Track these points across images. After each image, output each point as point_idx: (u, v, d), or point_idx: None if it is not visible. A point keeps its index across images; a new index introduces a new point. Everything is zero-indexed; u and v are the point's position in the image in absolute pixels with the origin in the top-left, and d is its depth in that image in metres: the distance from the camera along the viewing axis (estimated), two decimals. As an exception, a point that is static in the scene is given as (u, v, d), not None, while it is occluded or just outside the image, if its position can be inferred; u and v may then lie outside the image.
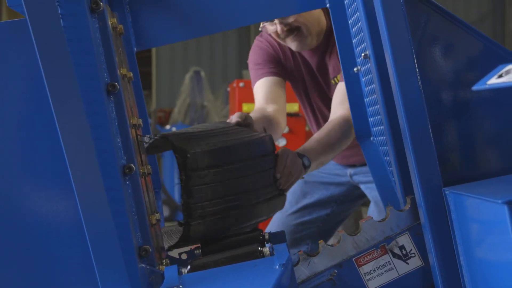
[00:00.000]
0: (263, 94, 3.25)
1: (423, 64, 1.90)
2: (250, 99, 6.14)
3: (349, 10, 2.35)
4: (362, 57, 2.16)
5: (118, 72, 1.78)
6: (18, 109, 1.74)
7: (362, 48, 2.22)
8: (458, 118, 1.93)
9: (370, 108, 2.37)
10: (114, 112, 1.76)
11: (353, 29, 2.36)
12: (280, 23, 3.02)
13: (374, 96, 2.18)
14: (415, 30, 1.92)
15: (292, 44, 3.13)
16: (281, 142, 6.20)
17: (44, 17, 1.56)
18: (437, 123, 1.88)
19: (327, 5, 2.38)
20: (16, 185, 1.75)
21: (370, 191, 3.44)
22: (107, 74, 1.75)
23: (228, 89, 8.13)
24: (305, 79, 3.34)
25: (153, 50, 17.54)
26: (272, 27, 3.07)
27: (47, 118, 1.65)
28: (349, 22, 2.39)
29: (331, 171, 3.52)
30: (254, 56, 3.36)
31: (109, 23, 1.80)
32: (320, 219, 3.53)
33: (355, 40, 2.37)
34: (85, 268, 1.72)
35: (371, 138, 2.46)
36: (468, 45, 1.99)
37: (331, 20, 2.42)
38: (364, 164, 3.34)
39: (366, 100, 2.39)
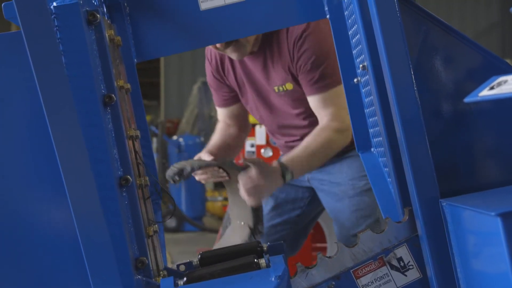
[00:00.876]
0: (222, 118, 3.67)
1: (421, 75, 1.90)
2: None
3: (349, 21, 2.35)
4: (360, 68, 2.16)
5: (115, 84, 1.79)
6: (17, 120, 1.75)
7: (362, 59, 2.23)
8: (456, 129, 1.93)
9: (370, 119, 2.37)
10: (111, 124, 1.77)
11: (353, 40, 2.36)
12: None
13: (374, 107, 2.18)
14: (413, 42, 1.92)
15: (232, 54, 3.19)
16: (267, 153, 6.20)
17: (37, 29, 1.57)
18: (435, 135, 1.88)
19: (327, 16, 2.38)
20: (15, 194, 1.77)
21: (324, 198, 3.48)
22: (103, 86, 1.75)
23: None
24: (247, 88, 3.40)
25: (162, 60, 17.61)
26: None
27: (46, 128, 1.66)
28: (349, 33, 2.39)
29: None
30: (207, 72, 3.59)
31: (106, 34, 1.81)
32: (291, 221, 3.57)
33: (355, 51, 2.37)
34: (82, 277, 1.72)
35: (372, 149, 2.46)
36: (466, 57, 1.99)
37: (332, 31, 2.43)
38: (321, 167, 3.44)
39: (366, 111, 2.39)
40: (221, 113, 3.67)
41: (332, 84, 3.19)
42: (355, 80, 2.40)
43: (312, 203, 3.64)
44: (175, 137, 11.64)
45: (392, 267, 1.94)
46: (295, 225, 3.60)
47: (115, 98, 1.75)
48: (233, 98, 3.54)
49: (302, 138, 3.32)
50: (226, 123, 3.63)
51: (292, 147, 3.37)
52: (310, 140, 3.17)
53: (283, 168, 3.01)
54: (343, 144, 3.27)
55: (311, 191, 3.62)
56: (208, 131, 11.90)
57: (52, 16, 1.65)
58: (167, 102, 17.40)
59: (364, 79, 2.29)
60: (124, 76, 2.02)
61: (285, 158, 3.14)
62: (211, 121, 12.36)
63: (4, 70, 1.72)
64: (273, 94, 3.34)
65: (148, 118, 14.96)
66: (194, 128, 12.50)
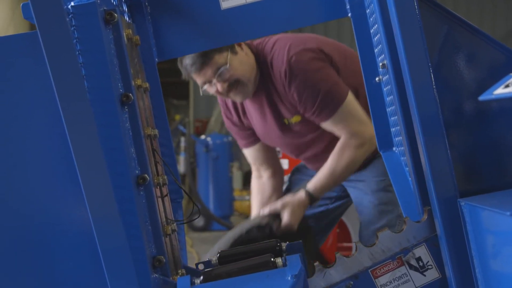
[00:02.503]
0: (252, 161, 3.79)
1: (441, 74, 1.89)
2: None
3: (371, 19, 2.34)
4: (380, 67, 2.15)
5: (133, 83, 1.80)
6: (35, 120, 1.76)
7: (383, 58, 2.22)
8: (476, 128, 1.91)
9: (391, 118, 2.36)
10: (128, 123, 1.78)
11: (375, 39, 2.35)
12: (218, 81, 3.13)
13: (394, 106, 2.17)
14: (434, 40, 1.91)
15: (236, 97, 3.25)
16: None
17: (53, 29, 1.58)
18: (454, 133, 1.86)
19: (349, 15, 2.37)
20: (33, 194, 1.78)
21: (353, 190, 3.49)
22: (121, 85, 1.76)
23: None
24: (260, 126, 3.45)
25: (191, 60, 17.61)
26: (212, 89, 3.20)
27: (63, 128, 1.67)
28: (371, 31, 2.38)
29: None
30: (224, 120, 3.74)
31: (124, 34, 1.82)
32: (314, 216, 3.59)
33: (376, 49, 2.36)
34: (99, 276, 1.73)
35: (393, 148, 2.44)
36: (488, 56, 1.97)
37: (354, 29, 2.42)
38: None
39: (388, 110, 2.38)
40: (249, 155, 3.75)
41: (337, 104, 3.25)
42: (377, 79, 2.39)
43: (337, 201, 3.66)
44: (203, 136, 11.66)
45: (411, 266, 1.92)
46: (317, 221, 3.62)
47: (132, 97, 1.76)
48: (255, 137, 3.60)
49: (324, 150, 3.36)
50: (258, 174, 3.75)
51: (316, 160, 3.41)
52: (334, 163, 3.27)
53: (311, 199, 3.15)
54: (365, 156, 3.33)
55: (339, 188, 3.63)
56: (236, 130, 11.90)
57: (70, 16, 1.66)
58: (196, 101, 17.42)
59: (386, 78, 2.28)
60: (142, 75, 2.03)
61: (312, 185, 3.25)
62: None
63: (22, 71, 1.73)
64: (285, 127, 3.38)
65: (177, 117, 14.99)
66: (222, 128, 12.51)
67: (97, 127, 1.64)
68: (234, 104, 3.53)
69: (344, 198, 3.69)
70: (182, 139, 11.63)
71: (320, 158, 3.44)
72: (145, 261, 1.70)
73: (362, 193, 3.48)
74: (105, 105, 1.70)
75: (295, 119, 3.33)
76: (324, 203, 3.66)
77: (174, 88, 22.74)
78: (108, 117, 1.70)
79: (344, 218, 5.58)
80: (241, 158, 11.42)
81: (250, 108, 3.46)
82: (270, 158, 3.72)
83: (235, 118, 3.57)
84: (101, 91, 1.69)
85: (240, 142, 3.69)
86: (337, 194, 3.69)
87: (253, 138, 3.63)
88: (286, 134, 3.44)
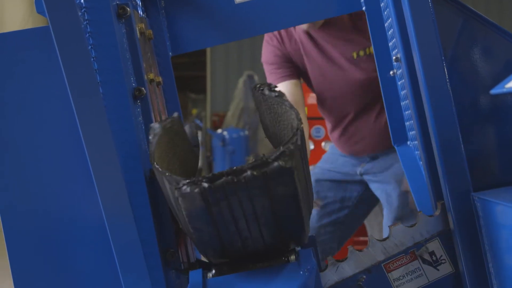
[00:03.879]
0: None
1: (456, 68, 1.88)
2: (298, 102, 6.13)
3: (385, 13, 2.33)
4: (394, 60, 2.14)
5: (145, 77, 1.80)
6: (47, 115, 1.76)
7: (397, 52, 2.21)
8: (489, 123, 1.90)
9: (406, 112, 2.35)
10: (141, 117, 1.78)
11: (389, 32, 2.34)
12: None
13: (408, 100, 2.16)
14: (449, 34, 1.90)
15: (309, 25, 3.14)
16: (327, 146, 6.16)
17: (65, 24, 1.58)
18: (468, 127, 1.85)
19: (363, 8, 2.36)
20: (47, 189, 1.78)
21: (376, 186, 3.43)
22: (133, 79, 1.77)
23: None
24: (317, 60, 3.34)
25: (208, 54, 17.67)
26: None
27: (75, 122, 1.67)
28: (385, 25, 2.37)
29: (341, 170, 3.51)
30: (266, 52, 3.45)
31: (137, 28, 1.82)
32: (339, 221, 3.53)
33: (390, 43, 2.35)
34: (113, 270, 1.73)
35: (408, 143, 2.43)
36: (504, 50, 1.95)
37: (368, 23, 2.41)
38: (374, 157, 3.39)
39: (402, 104, 2.37)
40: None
41: None
42: (391, 72, 2.38)
43: (361, 202, 3.60)
44: (219, 130, 11.67)
45: (424, 261, 1.92)
46: (343, 225, 3.57)
47: (145, 91, 1.76)
48: (293, 73, 3.47)
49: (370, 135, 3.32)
50: None
51: (355, 143, 3.38)
52: None
53: None
54: None
55: (361, 188, 3.57)
56: (253, 124, 11.94)
57: (82, 10, 1.67)
58: (213, 95, 17.45)
59: (400, 72, 2.27)
60: (155, 69, 2.03)
61: None
62: (256, 115, 12.39)
63: (34, 65, 1.73)
64: (352, 61, 3.29)
65: (194, 111, 15.05)
66: (239, 122, 12.52)
67: (109, 121, 1.65)
68: (290, 33, 3.43)
69: (365, 201, 3.62)
70: (199, 133, 11.65)
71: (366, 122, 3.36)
72: (157, 255, 1.70)
73: (385, 182, 3.42)
74: (118, 99, 1.70)
75: (368, 51, 3.23)
76: (347, 205, 3.60)
77: (192, 82, 22.80)
78: (121, 111, 1.70)
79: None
80: (257, 151, 11.42)
81: (308, 44, 3.36)
82: (297, 97, 3.57)
83: (287, 47, 3.44)
84: (113, 85, 1.70)
85: (278, 75, 3.53)
86: (358, 194, 3.63)
87: (293, 74, 3.50)
88: (350, 70, 3.33)
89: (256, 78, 12.96)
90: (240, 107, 12.67)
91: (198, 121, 12.25)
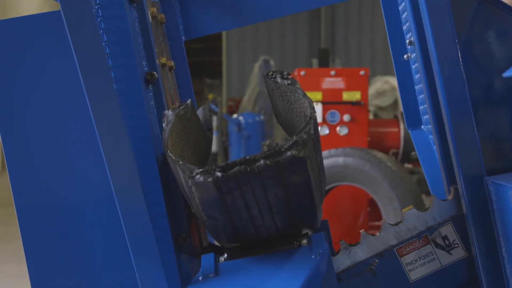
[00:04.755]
0: None
1: (470, 51, 1.86)
2: (311, 87, 6.12)
3: (399, -3, 2.32)
4: (407, 44, 2.13)
5: (157, 61, 1.80)
6: (58, 101, 1.76)
7: (411, 35, 2.19)
8: (503, 106, 1.88)
9: (420, 96, 2.33)
10: (153, 101, 1.78)
11: (403, 16, 2.33)
12: None
13: (422, 84, 2.15)
14: (463, 17, 1.88)
15: None
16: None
17: (77, 8, 1.58)
18: (482, 112, 1.84)
19: (377, -8, 2.35)
20: (59, 173, 1.78)
21: None
22: (145, 63, 1.76)
23: (291, 77, 8.09)
24: None
25: (224, 39, 17.67)
26: None
27: (87, 107, 1.67)
28: (399, 8, 2.36)
29: None
30: None
31: (149, 12, 1.82)
32: None
33: (404, 27, 2.34)
34: (125, 255, 1.74)
35: (422, 127, 2.42)
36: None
37: (382, 7, 2.40)
38: None
39: (416, 88, 2.36)
40: None
41: None
42: (405, 56, 2.37)
43: None
44: (235, 115, 11.67)
45: (437, 245, 1.91)
46: None
47: (157, 76, 1.76)
48: None
49: None
50: None
51: None
52: None
53: None
54: None
55: None
56: (269, 109, 11.92)
57: (93, -5, 1.66)
58: (228, 81, 17.46)
59: (414, 56, 2.26)
60: (167, 54, 2.02)
61: None
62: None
63: (45, 50, 1.73)
64: None
65: (210, 96, 15.04)
66: (255, 107, 12.52)
67: (121, 106, 1.65)
68: None
69: None
70: (214, 118, 11.66)
71: None
72: (169, 240, 1.71)
73: None
74: (130, 84, 1.70)
75: None
76: None
77: (208, 68, 22.83)
78: (133, 95, 1.70)
79: (375, 196, 5.57)
80: (273, 136, 11.42)
81: None
82: None
83: None
84: (125, 69, 1.69)
85: None
86: None
87: None
88: None
89: (272, 62, 12.95)
90: (255, 92, 12.67)
91: (213, 106, 12.25)
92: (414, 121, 2.45)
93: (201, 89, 20.34)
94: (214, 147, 11.02)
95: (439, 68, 1.79)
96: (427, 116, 2.25)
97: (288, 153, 1.45)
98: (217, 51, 18.34)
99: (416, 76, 2.34)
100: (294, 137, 1.47)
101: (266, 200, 1.51)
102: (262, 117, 11.31)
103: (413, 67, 2.36)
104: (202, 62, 22.15)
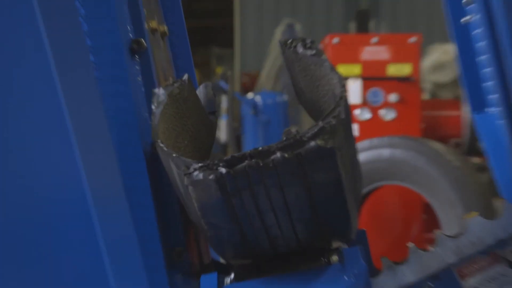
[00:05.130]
0: None
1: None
2: (347, 59, 6.09)
3: None
4: (463, 4, 2.12)
5: (146, 26, 1.80)
6: (20, 72, 1.76)
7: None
8: None
9: (483, 70, 2.32)
10: (140, 77, 1.77)
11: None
12: None
13: (487, 55, 2.14)
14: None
15: None
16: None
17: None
18: None
19: None
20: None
21: None
22: (130, 28, 1.76)
23: (321, 46, 8.07)
24: None
25: (237, -2, 17.68)
26: None
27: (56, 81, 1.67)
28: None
29: None
30: None
31: (133, -34, 1.81)
32: None
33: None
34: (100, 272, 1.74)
35: (486, 109, 2.41)
36: None
37: None
38: None
39: (478, 60, 2.34)
40: None
41: None
42: (463, 19, 2.36)
43: None
44: (250, 94, 11.66)
45: (511, 264, 1.90)
46: None
47: (145, 44, 1.75)
48: None
49: None
50: None
51: None
52: None
53: None
54: None
55: None
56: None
57: None
58: (243, 50, 17.49)
59: (475, 18, 2.24)
60: (159, 16, 2.02)
61: None
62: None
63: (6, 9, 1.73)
64: None
65: (218, 70, 15.04)
66: (276, 84, 12.50)
67: (99, 81, 1.64)
68: None
69: None
70: (224, 98, 11.66)
71: None
72: (160, 255, 1.70)
73: None
74: (110, 54, 1.69)
75: None
76: None
77: (216, 33, 22.87)
78: (114, 68, 1.70)
79: (432, 201, 5.53)
80: (300, 122, 11.41)
81: None
82: None
83: None
84: (104, 36, 1.69)
85: None
86: None
87: None
88: None
89: (297, 27, 12.92)
90: (277, 65, 12.65)
91: (223, 83, 12.24)
92: (477, 102, 2.44)
93: (207, 61, 20.34)
94: (223, 136, 11.02)
95: (509, 33, 1.78)
96: (494, 95, 2.24)
97: (312, 143, 1.44)
98: (228, 12, 18.39)
99: (477, 45, 2.32)
100: (320, 122, 1.46)
101: (284, 204, 1.50)
102: (285, 98, 11.29)
103: (473, 33, 2.35)
104: (209, 27, 22.17)
